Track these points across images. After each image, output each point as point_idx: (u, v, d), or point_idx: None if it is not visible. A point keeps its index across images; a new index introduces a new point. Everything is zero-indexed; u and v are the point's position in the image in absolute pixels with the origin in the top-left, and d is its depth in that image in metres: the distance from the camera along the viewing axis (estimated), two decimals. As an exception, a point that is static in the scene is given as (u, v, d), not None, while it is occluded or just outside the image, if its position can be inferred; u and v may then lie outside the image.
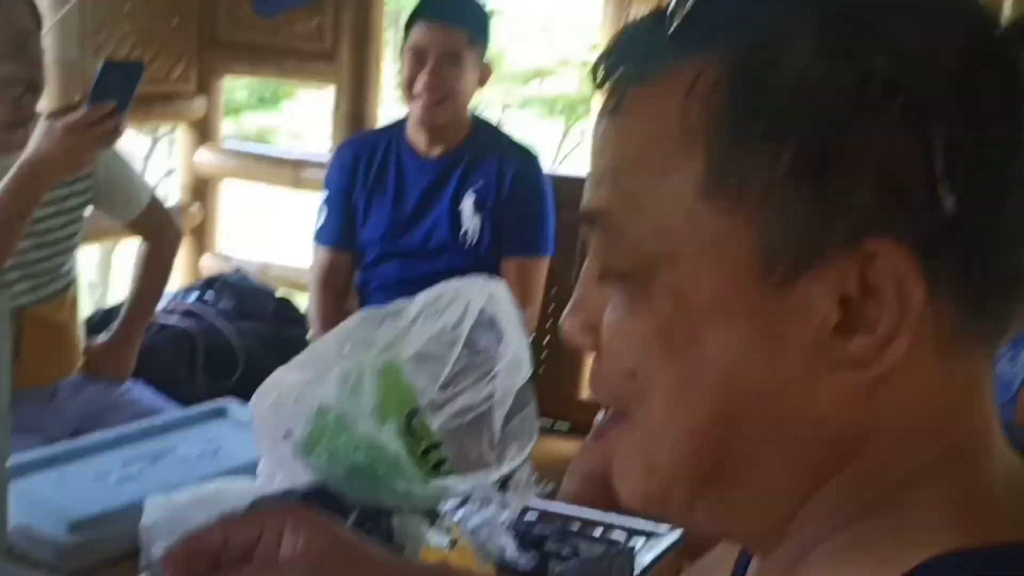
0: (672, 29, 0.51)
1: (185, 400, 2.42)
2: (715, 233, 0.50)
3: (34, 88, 2.11)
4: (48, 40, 2.22)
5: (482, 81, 2.50)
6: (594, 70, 0.55)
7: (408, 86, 2.45)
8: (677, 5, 0.52)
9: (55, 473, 1.46)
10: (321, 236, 2.60)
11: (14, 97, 2.06)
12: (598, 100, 0.57)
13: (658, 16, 0.53)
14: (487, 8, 2.61)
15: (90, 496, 1.39)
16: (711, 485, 0.53)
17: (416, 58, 2.42)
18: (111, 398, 2.31)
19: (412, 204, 2.53)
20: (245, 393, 1.74)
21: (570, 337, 0.57)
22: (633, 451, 0.55)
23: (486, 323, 1.40)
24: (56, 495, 1.38)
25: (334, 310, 2.53)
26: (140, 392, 2.37)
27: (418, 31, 2.44)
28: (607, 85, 0.54)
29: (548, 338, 2.77)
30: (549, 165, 3.05)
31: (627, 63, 0.54)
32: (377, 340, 1.38)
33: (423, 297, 1.39)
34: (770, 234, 0.49)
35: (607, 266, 0.55)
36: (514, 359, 1.36)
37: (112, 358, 2.40)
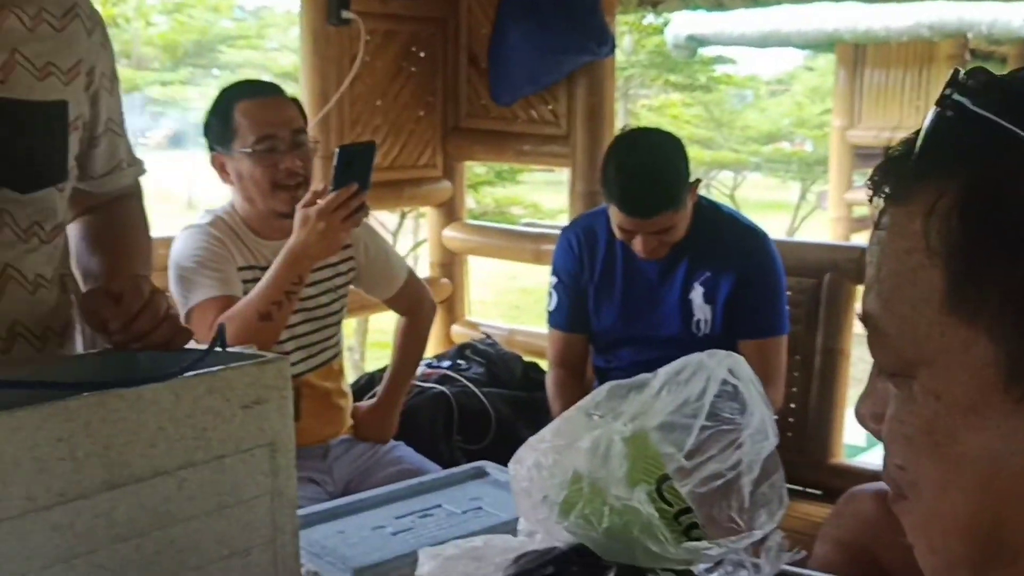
0: (916, 154, 0.58)
1: (442, 459, 2.60)
2: (960, 343, 0.55)
3: (307, 182, 2.34)
4: (311, 136, 2.44)
5: (693, 198, 2.46)
6: (868, 186, 0.62)
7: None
8: (922, 133, 0.58)
9: (337, 524, 1.63)
10: (554, 320, 2.66)
11: (292, 188, 2.30)
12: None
13: (911, 142, 0.60)
14: (680, 172, 2.43)
15: (369, 546, 1.54)
16: (992, 567, 0.57)
17: (624, 233, 2.44)
18: (377, 457, 2.51)
19: (641, 295, 2.55)
20: (497, 452, 1.88)
21: (862, 423, 0.64)
22: (916, 530, 0.61)
23: (728, 394, 1.47)
24: (339, 544, 1.54)
25: (571, 387, 2.58)
26: (403, 451, 2.56)
27: (618, 217, 2.41)
28: (874, 202, 0.61)
29: (793, 406, 2.77)
30: (787, 229, 3.04)
31: (887, 183, 0.60)
32: (624, 410, 1.46)
33: (666, 370, 1.47)
34: (1009, 344, 0.54)
35: (879, 365, 0.61)
36: (759, 428, 1.42)
37: (377, 421, 2.61)
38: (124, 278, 1.41)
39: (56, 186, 1.48)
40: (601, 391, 1.50)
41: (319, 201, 2.13)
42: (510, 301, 5.27)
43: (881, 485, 2.09)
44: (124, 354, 1.42)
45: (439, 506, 1.71)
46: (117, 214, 1.65)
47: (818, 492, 2.77)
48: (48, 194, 1.47)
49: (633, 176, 2.35)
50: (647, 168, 2.36)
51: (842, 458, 2.93)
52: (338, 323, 2.53)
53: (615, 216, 2.43)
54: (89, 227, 1.63)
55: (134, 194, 1.70)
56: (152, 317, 1.38)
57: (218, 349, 1.32)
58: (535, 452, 1.39)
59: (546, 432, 1.47)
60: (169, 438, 1.20)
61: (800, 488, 2.76)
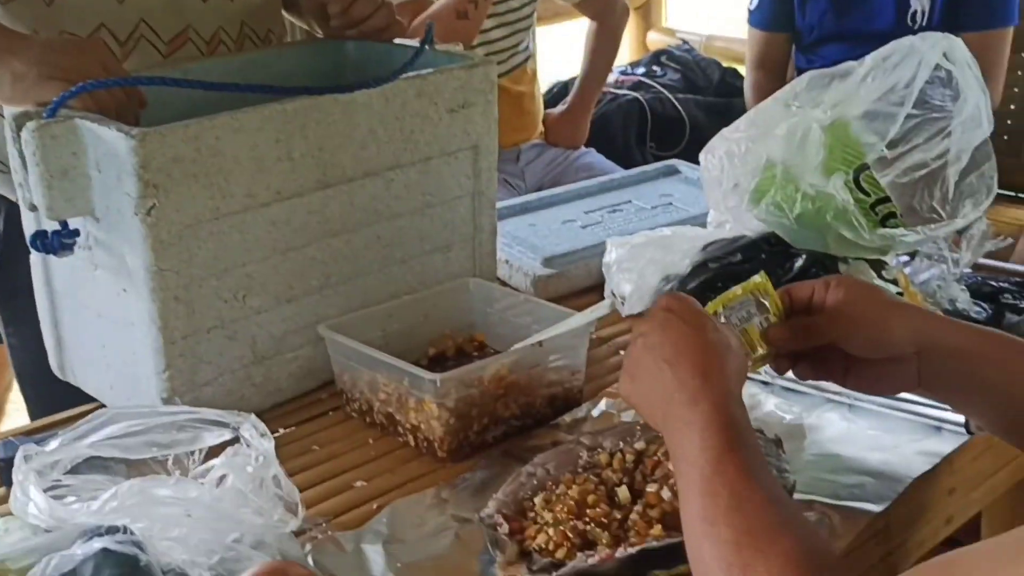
0: None
1: (634, 165, 2.57)
2: None
3: None
4: None
5: None
6: None
7: None
8: None
9: (528, 218, 1.65)
10: (755, 18, 2.53)
11: None
12: None
13: None
14: None
15: (559, 237, 1.56)
16: None
17: None
18: (568, 162, 2.51)
19: None
20: (691, 159, 1.83)
21: None
22: None
23: (941, 80, 1.36)
24: (531, 236, 1.57)
25: (771, 91, 2.46)
26: (594, 157, 2.55)
27: None
28: None
29: (1013, 107, 2.58)
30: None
31: None
32: (825, 99, 1.39)
33: (873, 56, 1.37)
34: None
35: None
36: (972, 114, 1.32)
37: (568, 126, 2.59)
38: None
39: None
40: (801, 80, 1.42)
41: None
42: (709, 11, 5.02)
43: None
44: (333, 44, 1.45)
45: (629, 202, 1.71)
46: None
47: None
48: None
49: None
50: None
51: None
52: (528, 28, 2.48)
53: None
54: None
55: None
56: (371, 1, 1.39)
57: (427, 48, 1.32)
58: (728, 142, 1.35)
59: (740, 122, 1.41)
60: (379, 140, 1.23)
61: (1011, 193, 2.61)
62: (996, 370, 0.85)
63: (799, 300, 0.93)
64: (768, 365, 0.95)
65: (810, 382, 1.08)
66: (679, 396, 0.78)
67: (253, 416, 0.93)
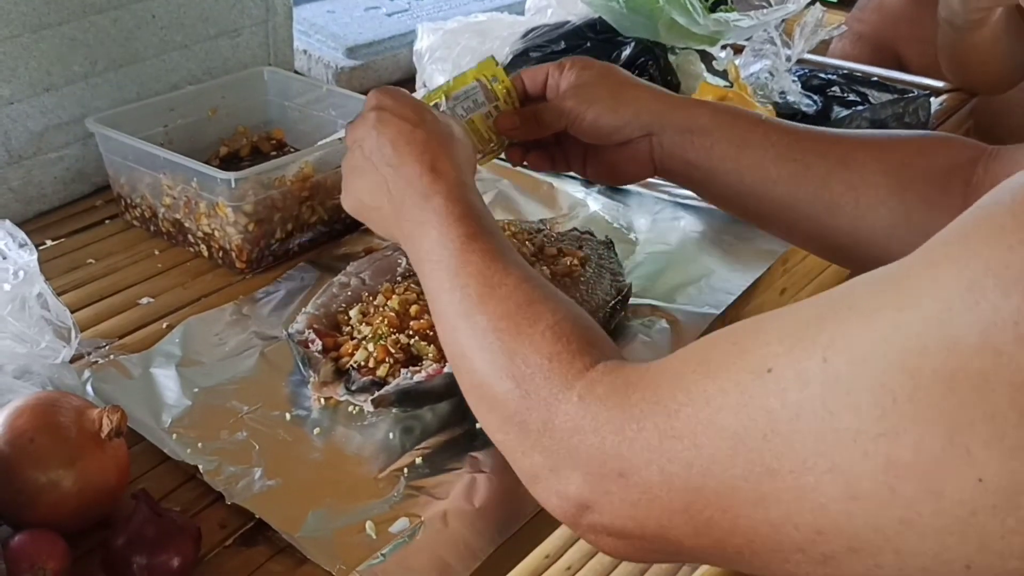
0: None
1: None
2: None
3: None
4: None
5: None
6: None
7: None
8: None
9: (326, 4, 1.48)
10: None
11: None
12: None
13: None
14: None
15: (362, 25, 1.41)
16: None
17: None
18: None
19: None
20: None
21: None
22: None
23: None
24: (330, 23, 1.41)
25: None
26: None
27: None
28: None
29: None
30: None
31: None
32: None
33: None
34: None
35: None
36: None
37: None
38: None
39: None
40: None
41: None
42: None
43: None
44: None
45: None
46: None
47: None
48: None
49: None
50: None
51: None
52: None
53: None
54: None
55: None
56: None
57: None
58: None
59: None
60: None
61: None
62: (727, 144, 0.81)
63: (534, 85, 0.87)
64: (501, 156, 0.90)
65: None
66: (409, 198, 0.71)
67: (7, 222, 0.77)
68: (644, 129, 0.83)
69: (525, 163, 0.91)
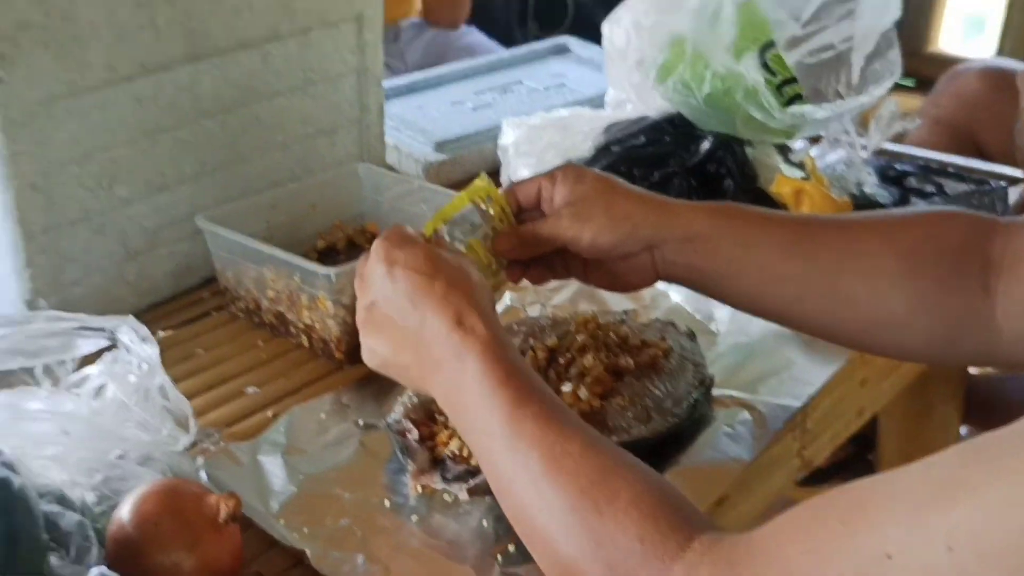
0: None
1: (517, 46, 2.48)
2: None
3: None
4: None
5: None
6: None
7: None
8: None
9: (415, 99, 1.56)
10: None
11: None
12: None
13: None
14: None
15: (450, 120, 1.48)
16: None
17: None
18: (449, 42, 2.40)
19: None
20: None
21: None
22: None
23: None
24: (419, 119, 1.48)
25: None
26: (475, 37, 2.45)
27: None
28: None
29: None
30: None
31: None
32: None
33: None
34: None
35: None
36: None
37: (447, 2, 2.47)
38: None
39: None
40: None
41: None
42: None
43: (987, 62, 1.95)
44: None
45: (519, 82, 1.62)
46: None
47: (913, 81, 2.62)
48: None
49: None
50: None
51: (940, 46, 2.75)
52: None
53: None
54: None
55: None
56: None
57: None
58: (633, 12, 1.27)
59: (643, -6, 1.34)
60: (252, 6, 1.11)
61: (908, 84, 2.62)
62: (731, 246, 0.79)
63: (527, 199, 0.84)
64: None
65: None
66: (440, 358, 0.67)
67: (131, 318, 0.83)
68: (644, 243, 0.81)
69: (525, 279, 0.87)
